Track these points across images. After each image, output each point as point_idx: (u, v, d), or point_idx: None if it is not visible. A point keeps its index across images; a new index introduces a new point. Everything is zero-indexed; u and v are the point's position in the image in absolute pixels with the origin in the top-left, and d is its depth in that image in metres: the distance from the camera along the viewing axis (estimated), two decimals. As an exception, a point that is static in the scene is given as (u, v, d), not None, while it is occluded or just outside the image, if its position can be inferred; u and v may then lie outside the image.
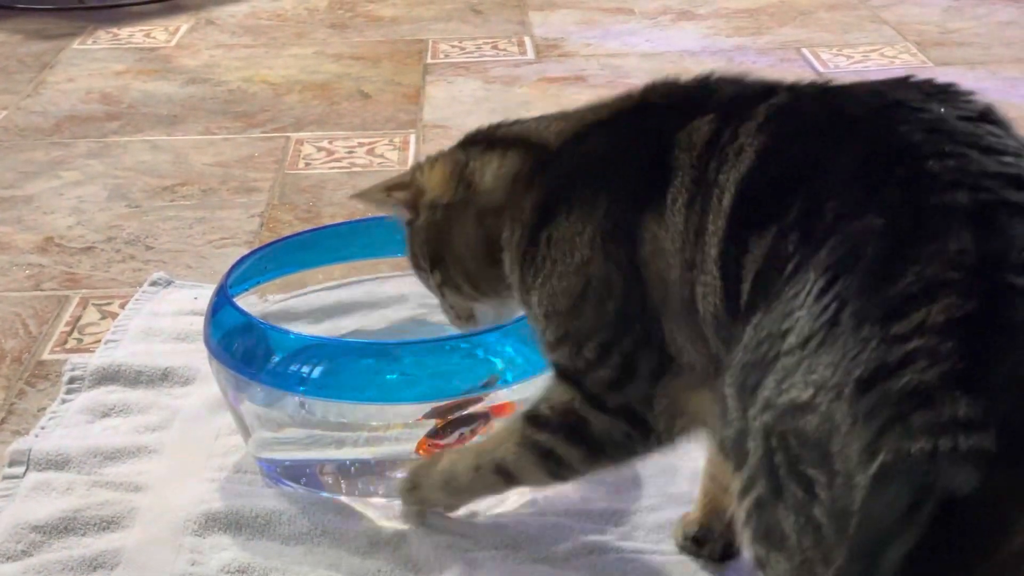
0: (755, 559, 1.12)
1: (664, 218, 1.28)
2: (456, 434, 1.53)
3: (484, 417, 1.54)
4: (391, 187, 1.48)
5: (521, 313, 1.46)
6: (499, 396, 1.53)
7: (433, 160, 1.47)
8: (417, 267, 1.50)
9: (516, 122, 1.48)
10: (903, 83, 1.24)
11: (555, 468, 1.40)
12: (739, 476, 1.12)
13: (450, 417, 1.53)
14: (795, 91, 1.28)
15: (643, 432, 1.36)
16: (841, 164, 1.15)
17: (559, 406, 1.38)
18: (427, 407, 1.51)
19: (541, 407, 1.39)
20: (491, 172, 1.42)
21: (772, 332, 1.10)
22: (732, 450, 1.14)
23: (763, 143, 1.22)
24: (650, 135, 1.33)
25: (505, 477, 1.43)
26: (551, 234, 1.35)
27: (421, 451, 1.54)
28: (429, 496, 1.48)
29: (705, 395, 1.31)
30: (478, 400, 1.53)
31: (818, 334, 1.05)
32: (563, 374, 1.38)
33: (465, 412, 1.53)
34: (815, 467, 1.03)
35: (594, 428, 1.36)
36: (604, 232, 1.32)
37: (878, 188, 1.12)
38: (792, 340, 1.08)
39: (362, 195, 1.53)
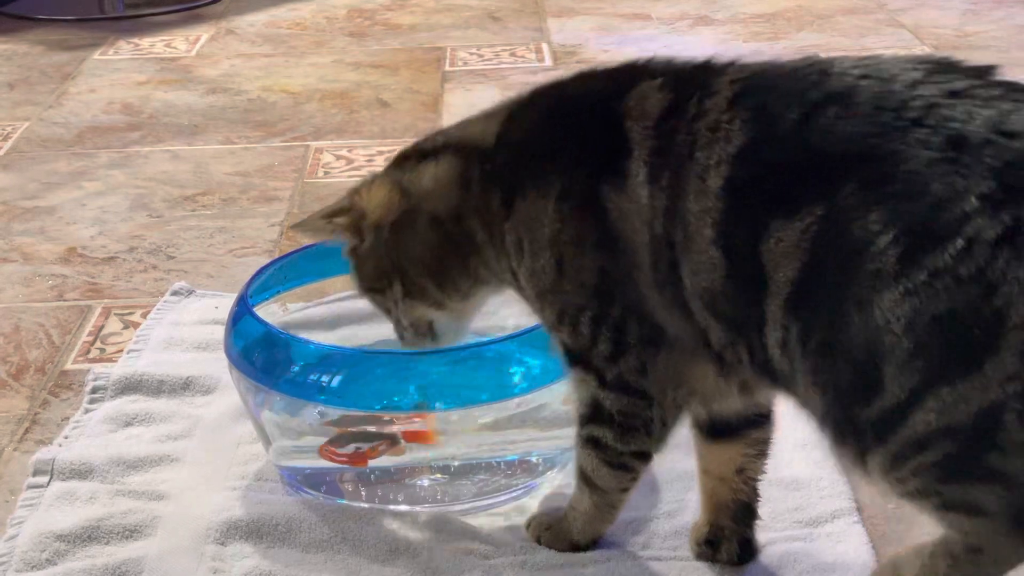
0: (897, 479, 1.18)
1: (625, 189, 1.30)
2: (351, 447, 1.54)
3: (391, 438, 1.55)
4: (331, 214, 1.49)
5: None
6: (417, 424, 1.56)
7: (370, 182, 1.49)
8: (370, 290, 1.50)
9: (439, 132, 1.51)
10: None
11: (604, 455, 1.41)
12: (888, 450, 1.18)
13: (351, 429, 1.54)
14: (750, 67, 1.30)
15: (643, 405, 1.37)
16: (873, 132, 1.18)
17: (586, 399, 1.40)
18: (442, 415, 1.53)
19: (578, 410, 1.42)
20: (428, 177, 1.44)
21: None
22: (884, 422, 1.17)
23: (751, 125, 1.24)
24: (586, 103, 1.36)
25: (586, 482, 1.45)
26: (518, 219, 1.38)
27: (322, 455, 1.56)
28: (573, 525, 1.48)
29: (707, 369, 1.33)
30: (390, 421, 1.54)
31: None
32: (573, 358, 1.39)
33: (369, 428, 1.54)
34: None
35: (608, 406, 1.39)
36: (566, 203, 1.34)
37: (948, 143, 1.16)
38: None
39: (302, 224, 1.54)
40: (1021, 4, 3.56)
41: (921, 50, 3.19)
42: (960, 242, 1.13)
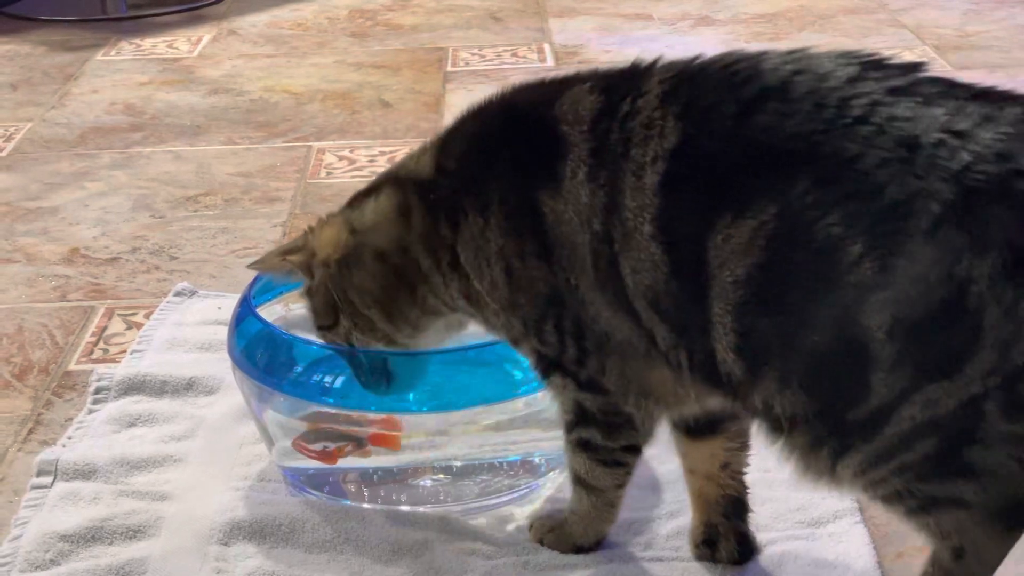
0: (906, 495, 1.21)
1: (560, 191, 1.31)
2: (319, 445, 1.55)
3: (357, 441, 1.55)
4: (286, 252, 1.51)
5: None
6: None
7: (323, 222, 1.50)
8: (321, 328, 1.51)
9: (385, 171, 1.52)
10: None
11: (596, 455, 1.42)
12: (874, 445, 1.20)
13: (322, 425, 1.55)
14: (677, 65, 1.31)
15: (615, 405, 1.38)
16: (816, 132, 1.19)
17: (569, 404, 1.41)
18: (445, 416, 1.53)
19: (563, 415, 1.43)
20: (369, 212, 1.46)
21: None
22: (870, 421, 1.19)
23: (685, 121, 1.25)
24: (518, 115, 1.37)
25: (582, 485, 1.45)
26: (465, 241, 1.38)
27: (295, 448, 1.57)
28: (575, 528, 1.48)
29: (664, 374, 1.33)
30: (359, 423, 1.55)
31: None
32: (549, 365, 1.40)
33: (339, 428, 1.55)
34: None
35: (589, 406, 1.39)
36: (504, 217, 1.35)
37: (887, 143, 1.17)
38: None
39: (260, 263, 1.55)
40: (1022, 4, 3.56)
41: (923, 50, 3.19)
42: (929, 249, 1.14)
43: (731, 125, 1.23)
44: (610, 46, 3.35)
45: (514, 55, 3.31)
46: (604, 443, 1.41)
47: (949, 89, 1.21)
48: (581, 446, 1.42)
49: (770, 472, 1.59)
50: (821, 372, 1.20)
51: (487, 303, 1.41)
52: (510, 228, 1.35)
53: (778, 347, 1.21)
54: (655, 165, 1.25)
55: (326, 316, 1.49)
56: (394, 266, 1.45)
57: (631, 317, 1.30)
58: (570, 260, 1.32)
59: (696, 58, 1.31)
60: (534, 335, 1.38)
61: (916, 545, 1.46)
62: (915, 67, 1.23)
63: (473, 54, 3.33)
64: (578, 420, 1.41)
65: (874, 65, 1.23)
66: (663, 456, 1.62)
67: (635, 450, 1.42)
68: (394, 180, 1.47)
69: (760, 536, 1.49)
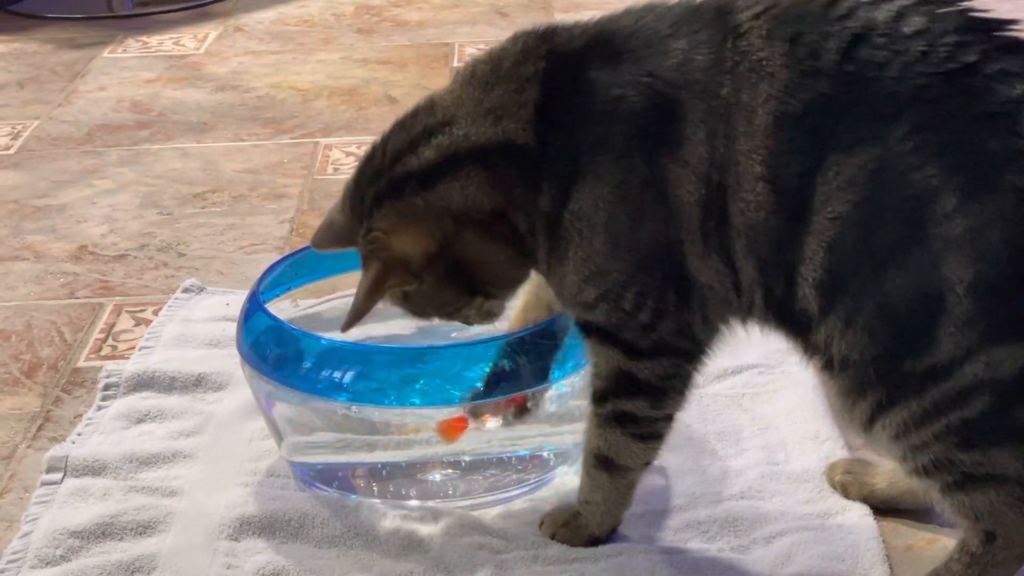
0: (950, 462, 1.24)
1: (682, 154, 1.29)
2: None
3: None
4: (374, 287, 1.39)
5: None
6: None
7: (381, 234, 1.38)
8: (448, 315, 1.44)
9: (419, 143, 1.43)
10: None
11: (635, 428, 1.41)
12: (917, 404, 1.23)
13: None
14: (757, 3, 1.30)
15: (682, 361, 1.38)
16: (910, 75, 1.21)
17: (608, 372, 1.40)
18: (455, 410, 1.54)
19: (596, 383, 1.42)
20: (457, 195, 1.37)
21: None
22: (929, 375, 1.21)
23: (791, 59, 1.25)
24: (624, 82, 1.32)
25: (605, 466, 1.44)
26: (574, 208, 1.34)
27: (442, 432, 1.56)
28: (590, 519, 1.48)
29: (735, 320, 1.36)
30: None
31: None
32: (600, 336, 1.39)
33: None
34: None
35: (642, 375, 1.38)
36: (624, 186, 1.33)
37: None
38: None
39: (354, 316, 1.42)
40: (1029, -4, 3.55)
41: (929, 43, 3.18)
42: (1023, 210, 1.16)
43: (837, 61, 1.23)
44: (616, 41, 3.34)
45: (520, 50, 3.31)
46: (649, 413, 1.40)
47: None
48: (617, 419, 1.41)
49: (778, 465, 1.60)
50: (889, 316, 1.21)
51: (563, 271, 1.37)
52: (633, 197, 1.32)
53: (855, 286, 1.23)
54: (766, 105, 1.25)
55: (453, 301, 1.42)
56: (498, 233, 1.38)
57: (724, 260, 1.31)
58: (679, 219, 1.31)
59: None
60: (609, 303, 1.35)
61: (926, 537, 1.47)
62: (1011, 23, 1.26)
63: (479, 49, 3.33)
64: (619, 390, 1.39)
65: (975, 19, 1.25)
66: (672, 450, 1.63)
67: (672, 419, 1.42)
68: (475, 156, 1.37)
69: (769, 528, 1.49)
